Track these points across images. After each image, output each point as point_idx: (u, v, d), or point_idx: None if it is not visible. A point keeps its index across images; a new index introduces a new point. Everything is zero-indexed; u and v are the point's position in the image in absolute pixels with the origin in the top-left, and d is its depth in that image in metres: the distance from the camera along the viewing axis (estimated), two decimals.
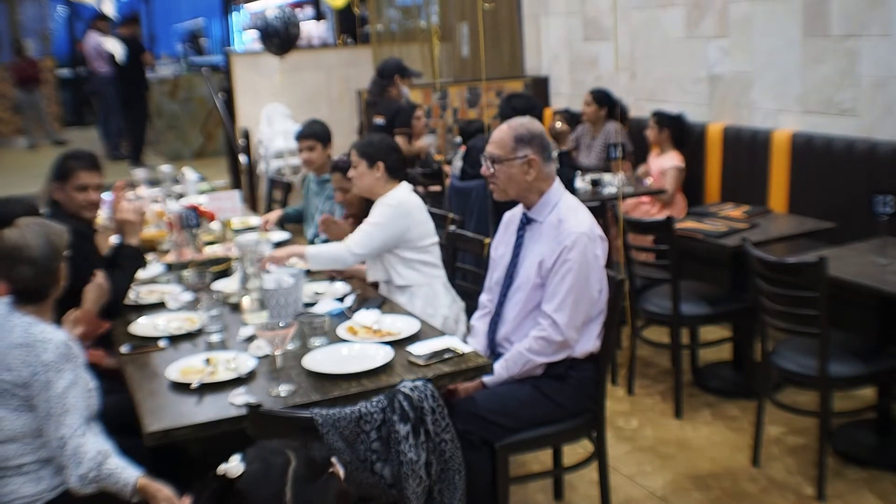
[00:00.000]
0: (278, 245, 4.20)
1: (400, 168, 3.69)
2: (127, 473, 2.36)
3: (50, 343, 2.38)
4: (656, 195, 5.35)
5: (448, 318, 3.51)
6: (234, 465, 1.50)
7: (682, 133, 5.45)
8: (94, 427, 2.44)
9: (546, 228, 2.95)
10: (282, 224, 4.94)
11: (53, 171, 3.55)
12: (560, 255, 2.86)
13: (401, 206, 3.54)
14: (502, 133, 2.98)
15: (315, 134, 4.80)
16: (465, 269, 3.80)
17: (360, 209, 4.02)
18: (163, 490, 2.35)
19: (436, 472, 2.49)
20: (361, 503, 2.47)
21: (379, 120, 6.13)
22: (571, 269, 2.85)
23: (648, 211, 5.45)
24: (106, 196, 3.90)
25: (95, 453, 2.34)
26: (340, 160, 4.23)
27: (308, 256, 3.49)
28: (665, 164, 5.38)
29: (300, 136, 4.86)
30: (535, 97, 5.39)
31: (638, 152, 5.71)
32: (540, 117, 5.08)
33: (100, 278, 3.04)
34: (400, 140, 5.90)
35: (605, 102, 5.91)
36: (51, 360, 2.36)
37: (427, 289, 3.55)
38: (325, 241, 4.43)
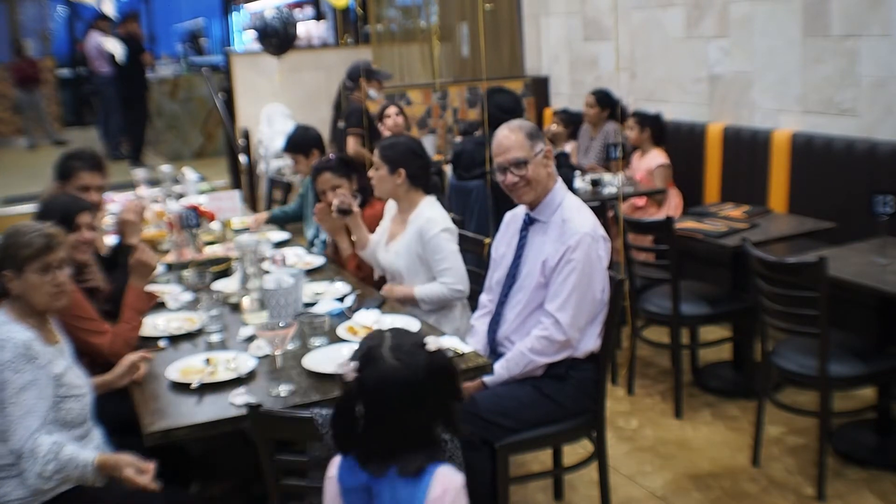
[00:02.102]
0: (278, 245, 4.21)
1: (422, 175, 3.57)
2: (85, 454, 2.33)
3: (9, 342, 2.34)
4: (651, 195, 5.37)
5: (459, 330, 3.46)
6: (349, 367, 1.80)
7: (661, 132, 5.51)
8: (64, 433, 2.40)
9: (550, 228, 2.96)
10: (282, 225, 4.95)
11: (56, 171, 3.56)
12: (564, 255, 2.86)
13: (448, 228, 3.46)
14: (511, 138, 2.96)
15: (294, 147, 4.80)
16: (465, 269, 3.79)
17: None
18: (122, 458, 2.33)
19: None
20: None
21: (341, 124, 6.13)
22: (575, 269, 2.85)
23: (645, 211, 5.46)
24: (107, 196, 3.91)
25: (50, 445, 2.31)
26: (323, 160, 4.10)
27: (419, 298, 3.42)
28: (651, 163, 5.42)
29: (284, 151, 4.90)
30: (515, 92, 5.39)
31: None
32: (523, 113, 5.12)
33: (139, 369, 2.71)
34: (352, 141, 5.87)
35: (608, 104, 5.92)
36: (7, 358, 2.32)
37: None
38: (324, 242, 4.43)
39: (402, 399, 1.77)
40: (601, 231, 2.94)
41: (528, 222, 3.04)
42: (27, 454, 2.30)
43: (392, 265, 3.56)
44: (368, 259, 3.76)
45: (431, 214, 3.48)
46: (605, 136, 5.87)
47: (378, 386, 1.77)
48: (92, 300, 2.91)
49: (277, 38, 6.68)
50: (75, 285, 2.83)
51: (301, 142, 4.81)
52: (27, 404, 2.32)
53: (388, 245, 3.63)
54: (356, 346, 1.88)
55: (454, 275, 3.42)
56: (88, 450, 2.38)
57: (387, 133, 5.74)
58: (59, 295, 2.48)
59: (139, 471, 2.30)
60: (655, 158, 5.41)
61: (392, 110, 5.93)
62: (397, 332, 1.87)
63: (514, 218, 3.15)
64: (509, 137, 2.97)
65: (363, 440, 1.80)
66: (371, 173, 3.64)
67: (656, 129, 5.50)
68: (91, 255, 3.16)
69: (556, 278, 2.88)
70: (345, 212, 3.68)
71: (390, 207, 3.73)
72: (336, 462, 1.89)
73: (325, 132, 5.04)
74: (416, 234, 3.46)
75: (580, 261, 2.85)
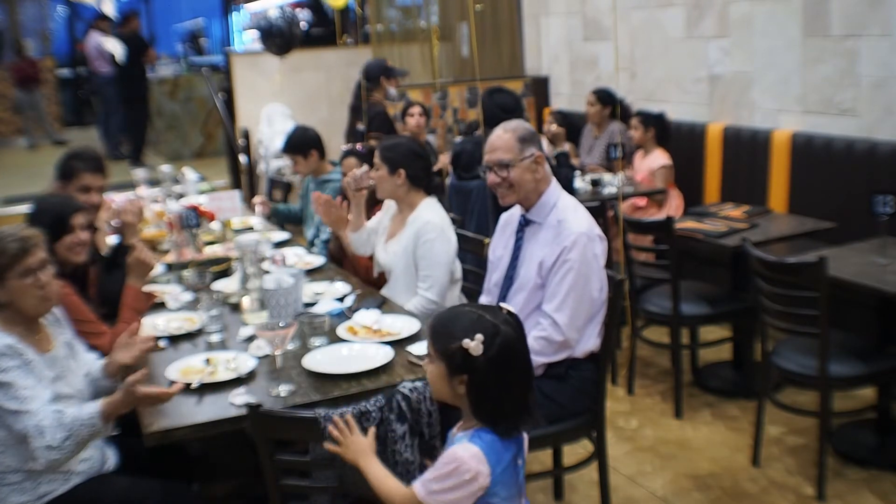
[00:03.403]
0: (278, 245, 4.21)
1: (423, 176, 3.56)
2: (87, 408, 2.32)
3: None
4: (651, 195, 5.37)
5: None
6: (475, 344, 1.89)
7: (665, 132, 5.50)
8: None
9: (546, 229, 2.95)
10: (281, 224, 4.95)
11: (57, 170, 3.56)
12: (560, 256, 2.86)
13: (442, 233, 3.44)
14: (503, 138, 2.96)
15: (293, 148, 4.81)
16: (465, 269, 3.80)
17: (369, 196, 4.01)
18: (123, 392, 2.31)
19: None
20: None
21: (361, 126, 6.11)
22: (571, 269, 2.85)
23: (646, 211, 5.46)
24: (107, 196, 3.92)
25: (51, 413, 2.29)
26: (351, 147, 4.27)
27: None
28: (653, 164, 5.41)
29: (283, 151, 4.91)
30: (515, 92, 5.38)
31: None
32: (523, 113, 5.11)
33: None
34: (375, 144, 5.89)
35: (609, 102, 5.90)
36: None
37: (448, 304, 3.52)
38: (326, 241, 4.43)
39: (522, 358, 1.97)
40: (597, 230, 2.94)
41: (524, 224, 3.04)
42: (33, 433, 2.27)
43: (389, 264, 3.57)
44: (356, 243, 3.81)
45: (430, 217, 3.47)
46: (610, 135, 5.86)
47: (504, 352, 1.91)
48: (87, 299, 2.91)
49: (282, 37, 6.68)
50: (71, 287, 2.83)
51: (300, 142, 4.81)
52: (24, 394, 2.30)
53: (386, 244, 3.64)
54: (445, 324, 1.98)
55: (433, 284, 3.40)
56: (90, 405, 2.36)
57: (406, 132, 5.78)
58: (47, 296, 2.45)
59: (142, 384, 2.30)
60: (658, 159, 5.40)
61: (416, 109, 5.98)
62: (480, 305, 2.03)
63: (509, 219, 3.14)
64: (501, 137, 2.97)
65: (503, 410, 1.92)
66: (372, 174, 3.65)
67: (660, 129, 5.48)
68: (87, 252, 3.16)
69: (553, 279, 2.88)
70: (357, 188, 3.83)
71: (390, 205, 3.74)
72: (477, 460, 1.90)
73: (326, 132, 5.03)
74: (413, 236, 3.46)
75: (576, 261, 2.85)
